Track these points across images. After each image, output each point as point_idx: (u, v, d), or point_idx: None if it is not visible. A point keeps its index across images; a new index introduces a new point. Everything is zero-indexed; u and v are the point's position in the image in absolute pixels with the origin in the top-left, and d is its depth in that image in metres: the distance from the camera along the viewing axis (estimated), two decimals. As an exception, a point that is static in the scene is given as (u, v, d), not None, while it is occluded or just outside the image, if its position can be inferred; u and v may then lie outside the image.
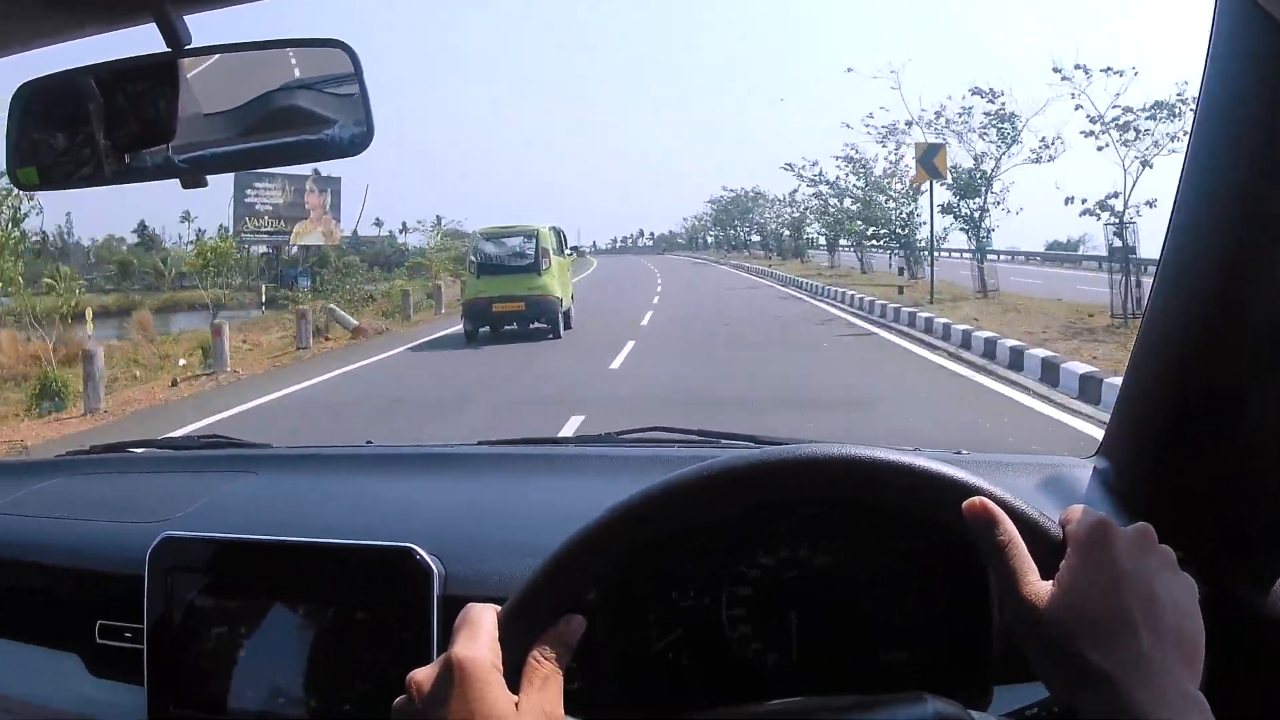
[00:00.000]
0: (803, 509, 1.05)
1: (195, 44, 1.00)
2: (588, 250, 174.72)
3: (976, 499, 0.77)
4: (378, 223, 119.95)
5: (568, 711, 0.82)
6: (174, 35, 0.98)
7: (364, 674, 1.16)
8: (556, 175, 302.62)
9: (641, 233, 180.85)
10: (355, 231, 44.30)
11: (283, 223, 40.69)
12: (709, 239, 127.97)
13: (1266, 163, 0.91)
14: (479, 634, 0.75)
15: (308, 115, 1.06)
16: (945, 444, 1.65)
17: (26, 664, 1.42)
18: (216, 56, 1.07)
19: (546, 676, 0.76)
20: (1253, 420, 1.03)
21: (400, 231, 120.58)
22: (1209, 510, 1.07)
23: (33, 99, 1.09)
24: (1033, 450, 1.54)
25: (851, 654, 1.04)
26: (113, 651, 1.32)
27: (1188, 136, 1.01)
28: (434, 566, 1.16)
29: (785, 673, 1.05)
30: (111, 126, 1.06)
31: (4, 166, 1.10)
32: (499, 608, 0.79)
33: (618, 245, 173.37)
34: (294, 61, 1.09)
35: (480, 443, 1.83)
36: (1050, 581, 0.74)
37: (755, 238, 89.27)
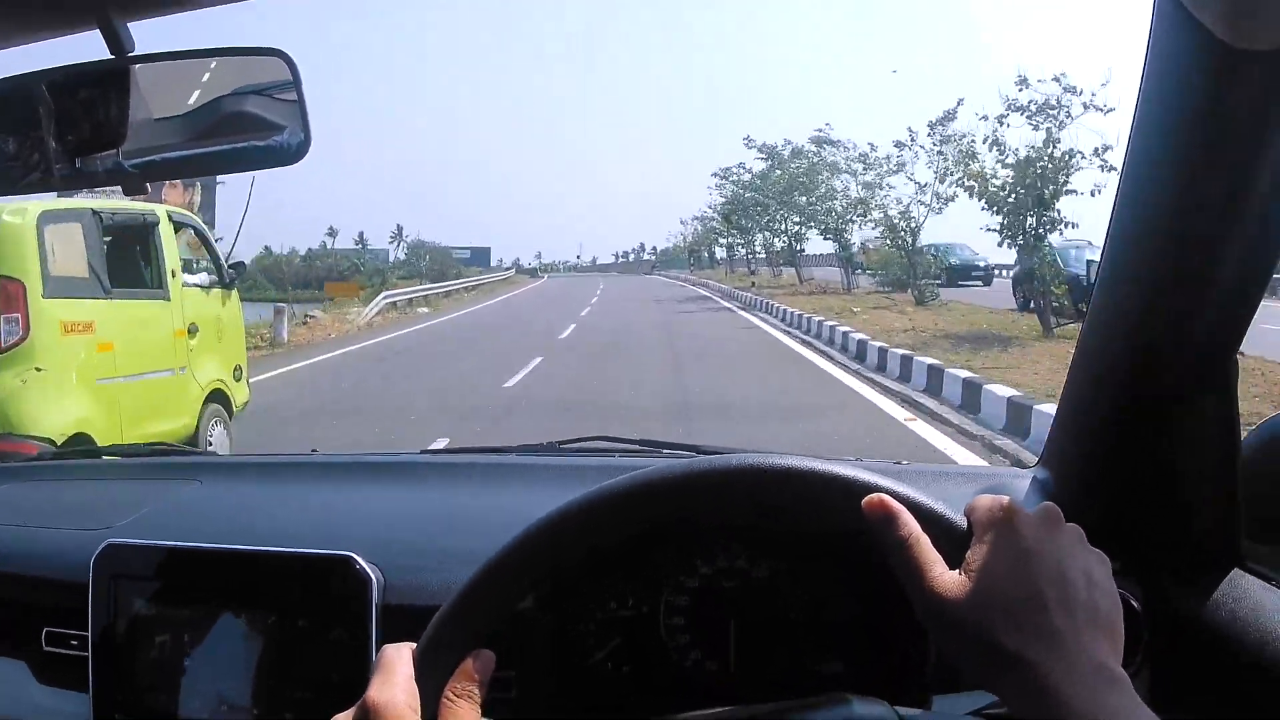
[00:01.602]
0: (736, 519, 1.05)
1: (140, 50, 1.02)
2: (573, 267, 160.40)
3: (874, 496, 0.76)
4: (331, 232, 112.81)
5: (510, 719, 0.83)
6: (118, 43, 0.99)
7: (305, 681, 1.17)
8: (556, 189, 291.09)
9: (642, 247, 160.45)
10: (229, 253, 34.85)
11: (126, 226, 30.24)
12: (716, 250, 79.77)
13: (1202, 170, 0.91)
14: (394, 676, 0.75)
15: (251, 122, 1.07)
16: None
17: None
18: (162, 64, 1.08)
19: (460, 714, 0.75)
20: (1190, 429, 1.03)
21: (357, 242, 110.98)
22: (1147, 519, 1.07)
23: None
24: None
25: (790, 664, 1.05)
26: (59, 659, 1.32)
27: (1126, 143, 1.00)
28: (372, 575, 1.17)
29: (724, 682, 1.05)
30: (61, 131, 1.07)
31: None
32: (414, 645, 0.79)
33: (618, 261, 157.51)
34: (236, 70, 1.10)
35: (423, 451, 1.85)
36: (957, 571, 0.73)
37: (819, 237, 39.42)
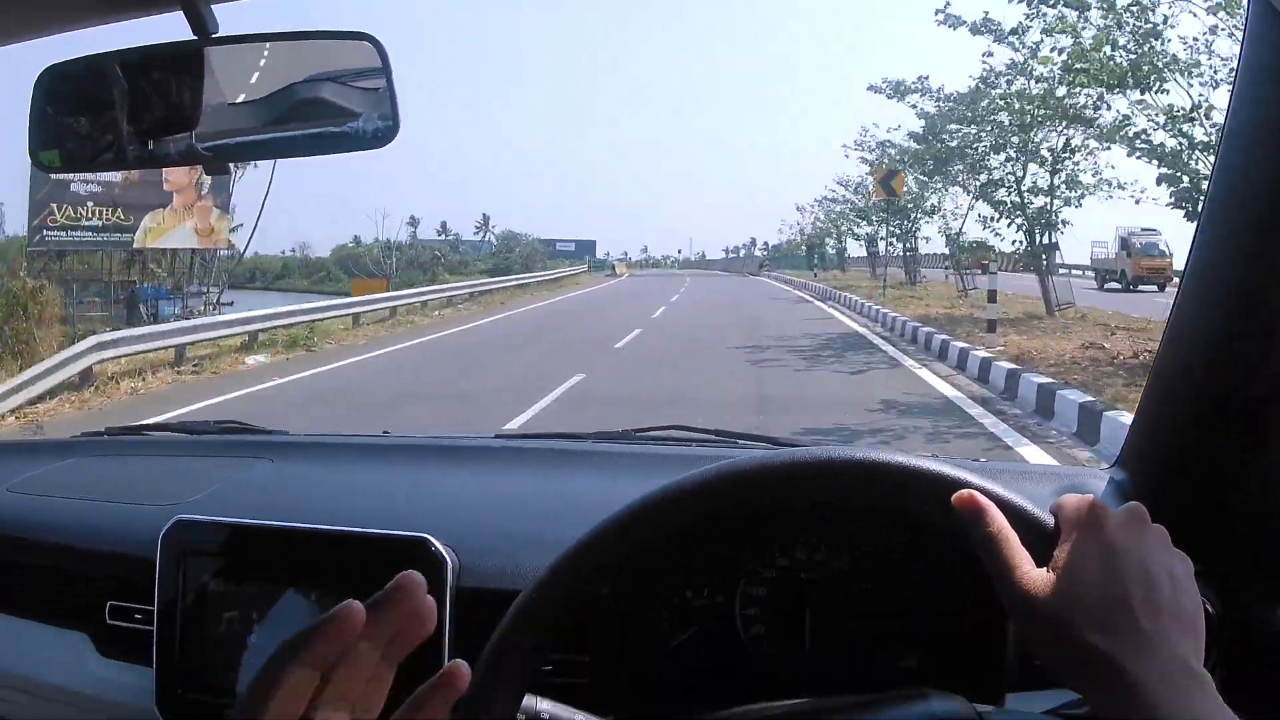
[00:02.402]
0: (818, 511, 1.05)
1: (222, 33, 1.01)
2: (680, 263, 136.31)
3: (964, 491, 0.77)
4: (412, 221, 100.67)
5: (583, 707, 0.87)
6: (201, 24, 0.99)
7: None
8: (665, 182, 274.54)
9: (753, 242, 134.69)
10: (246, 245, 29.32)
11: (121, 213, 24.49)
12: (850, 242, 52.37)
13: None
14: None
15: (333, 106, 1.06)
16: None
17: (36, 642, 1.43)
18: (243, 45, 1.06)
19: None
20: (1269, 435, 1.03)
21: (440, 233, 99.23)
22: (1225, 525, 1.07)
23: (56, 83, 1.09)
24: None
25: (866, 656, 1.05)
26: (122, 632, 1.33)
27: (1217, 146, 1.01)
28: (448, 557, 1.17)
29: (799, 673, 1.05)
30: (135, 111, 1.07)
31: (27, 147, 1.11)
32: None
33: (727, 257, 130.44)
34: (321, 53, 1.09)
35: (497, 435, 1.84)
36: (1044, 569, 0.74)
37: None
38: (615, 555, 0.84)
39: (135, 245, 25.19)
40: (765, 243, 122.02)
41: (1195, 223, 1.05)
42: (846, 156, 36.31)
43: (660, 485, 0.85)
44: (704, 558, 1.07)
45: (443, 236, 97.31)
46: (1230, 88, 0.98)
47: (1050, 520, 0.77)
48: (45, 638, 1.43)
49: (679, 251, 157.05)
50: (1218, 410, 1.05)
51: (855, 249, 51.63)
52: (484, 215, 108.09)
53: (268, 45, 1.09)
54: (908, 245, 34.21)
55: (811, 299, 33.60)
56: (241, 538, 1.26)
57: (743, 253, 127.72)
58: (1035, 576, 0.73)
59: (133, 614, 1.32)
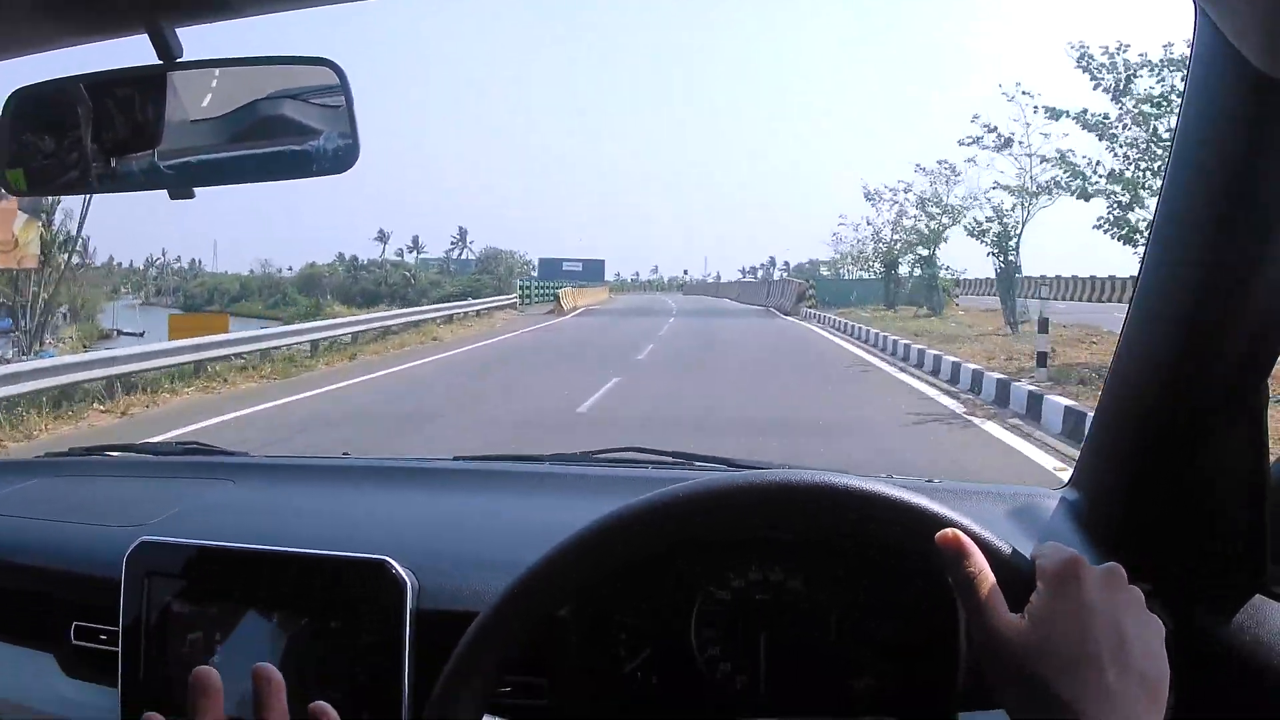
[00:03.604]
0: (781, 534, 1.06)
1: (187, 57, 1.02)
2: (686, 285, 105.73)
3: (949, 530, 0.79)
4: (381, 237, 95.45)
5: None
6: (166, 48, 1.00)
7: (336, 682, 1.17)
8: (680, 199, 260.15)
9: (773, 261, 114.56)
10: (68, 257, 23.70)
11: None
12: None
13: (1239, 199, 0.93)
14: None
15: (296, 129, 1.07)
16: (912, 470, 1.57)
17: (1, 662, 1.43)
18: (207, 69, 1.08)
19: None
20: (1219, 454, 1.04)
21: (411, 250, 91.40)
22: (1176, 543, 1.08)
23: (23, 105, 1.11)
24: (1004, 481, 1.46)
25: (820, 677, 1.06)
26: (87, 653, 1.33)
27: (1164, 171, 1.03)
28: (408, 579, 1.17)
29: (754, 695, 1.06)
30: (100, 135, 1.08)
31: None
32: None
33: (745, 277, 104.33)
34: (282, 78, 1.10)
35: (457, 458, 1.84)
36: (1019, 614, 0.75)
37: None
38: (571, 578, 0.85)
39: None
40: (786, 263, 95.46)
41: (1144, 248, 1.06)
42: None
43: (617, 507, 0.86)
44: (659, 579, 1.08)
45: (415, 252, 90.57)
46: (1176, 116, 0.99)
47: (1029, 566, 0.79)
48: (10, 658, 1.42)
49: (685, 272, 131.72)
50: (1165, 430, 1.07)
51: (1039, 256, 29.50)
52: (460, 229, 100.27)
53: (230, 69, 1.11)
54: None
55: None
56: (205, 560, 1.26)
57: (760, 274, 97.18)
58: (1010, 622, 0.75)
59: (98, 635, 1.31)
